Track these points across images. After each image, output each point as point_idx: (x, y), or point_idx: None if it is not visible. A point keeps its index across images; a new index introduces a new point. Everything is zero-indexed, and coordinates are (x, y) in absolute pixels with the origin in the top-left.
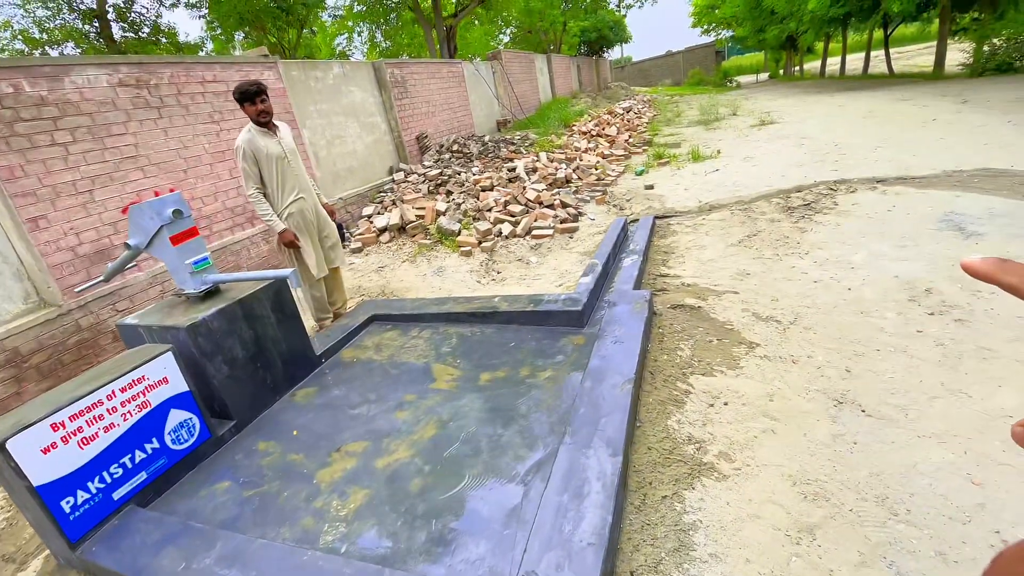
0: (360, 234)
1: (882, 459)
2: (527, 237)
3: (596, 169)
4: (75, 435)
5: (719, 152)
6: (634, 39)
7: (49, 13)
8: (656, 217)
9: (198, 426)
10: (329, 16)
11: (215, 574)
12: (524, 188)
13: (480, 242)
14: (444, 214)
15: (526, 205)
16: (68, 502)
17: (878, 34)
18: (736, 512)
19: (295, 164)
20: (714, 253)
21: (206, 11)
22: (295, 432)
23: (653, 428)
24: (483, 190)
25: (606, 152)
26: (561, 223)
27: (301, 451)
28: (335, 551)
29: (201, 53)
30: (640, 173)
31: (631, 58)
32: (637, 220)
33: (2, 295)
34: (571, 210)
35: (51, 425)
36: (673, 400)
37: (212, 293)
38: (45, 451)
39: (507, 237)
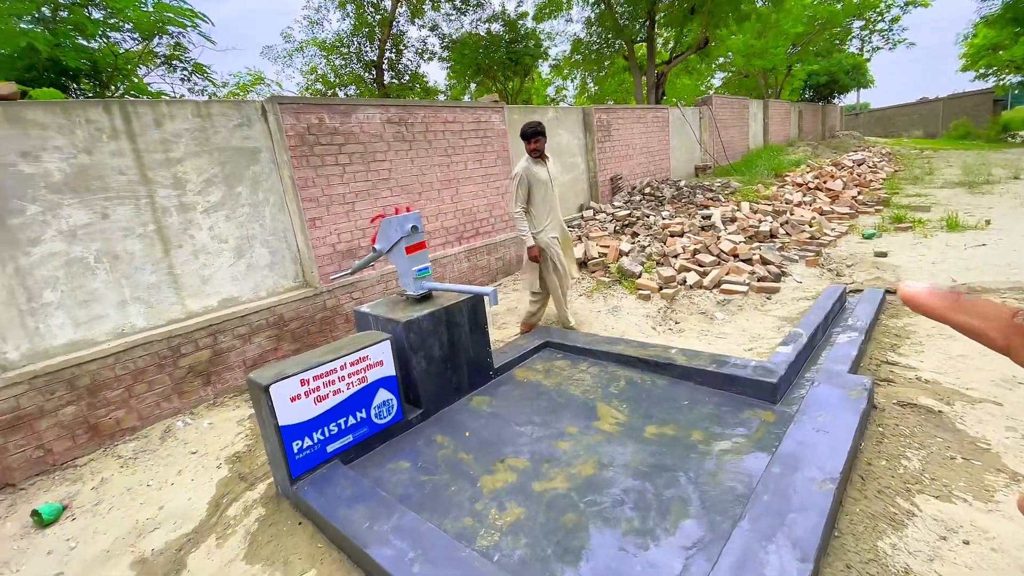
0: None
1: None
2: (715, 290)
3: (810, 226)
4: (314, 392)
5: (988, 223)
6: (876, 83)
7: (343, 62)
8: (888, 291)
9: (395, 407)
10: (548, 65)
11: (390, 541)
12: (719, 238)
13: (661, 288)
14: (627, 255)
15: (718, 256)
16: (297, 444)
17: None
18: None
19: (554, 191)
20: (970, 347)
21: (451, 63)
22: (467, 433)
23: (857, 544)
24: (671, 235)
25: (825, 208)
26: (758, 281)
27: (471, 452)
28: (488, 557)
29: (440, 97)
30: (869, 236)
31: (868, 104)
32: (860, 291)
33: (281, 273)
34: (772, 268)
35: (300, 380)
36: (889, 518)
37: (426, 297)
38: (293, 399)
39: (691, 287)
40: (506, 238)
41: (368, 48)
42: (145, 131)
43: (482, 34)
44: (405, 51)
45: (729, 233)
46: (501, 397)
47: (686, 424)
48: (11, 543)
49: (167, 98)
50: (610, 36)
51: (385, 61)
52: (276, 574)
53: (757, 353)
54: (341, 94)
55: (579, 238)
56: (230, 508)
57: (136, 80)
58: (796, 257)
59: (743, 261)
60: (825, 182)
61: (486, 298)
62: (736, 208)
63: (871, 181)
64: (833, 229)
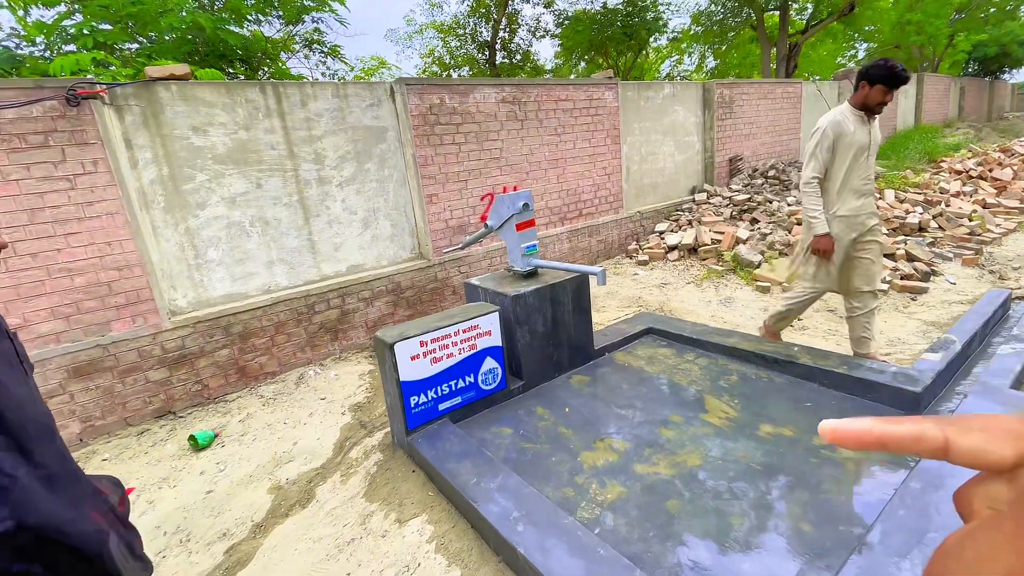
0: (649, 247)
1: None
2: None
3: (971, 220)
4: (431, 353)
5: None
6: None
7: (459, 43)
8: None
9: (500, 376)
10: (665, 39)
11: (495, 498)
12: None
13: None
14: (745, 242)
15: None
16: (414, 399)
17: None
18: None
19: (871, 160)
20: None
21: (561, 41)
22: (567, 409)
23: None
24: (798, 223)
25: (989, 200)
26: (902, 279)
27: (570, 427)
28: (588, 528)
29: (547, 75)
30: None
31: None
32: None
33: (400, 245)
34: (920, 265)
35: (420, 341)
36: None
37: (532, 273)
38: (413, 358)
39: None
40: (609, 220)
41: (483, 28)
42: (293, 110)
43: (598, 8)
44: (518, 29)
45: None
46: (601, 379)
47: (807, 427)
48: (170, 462)
49: (308, 80)
50: (737, 4)
51: (498, 41)
52: (392, 514)
53: (896, 359)
54: (455, 75)
55: (690, 222)
56: (352, 451)
57: (281, 64)
58: (950, 255)
59: (884, 256)
60: (991, 170)
61: (593, 278)
62: (879, 196)
63: None
64: (998, 225)
